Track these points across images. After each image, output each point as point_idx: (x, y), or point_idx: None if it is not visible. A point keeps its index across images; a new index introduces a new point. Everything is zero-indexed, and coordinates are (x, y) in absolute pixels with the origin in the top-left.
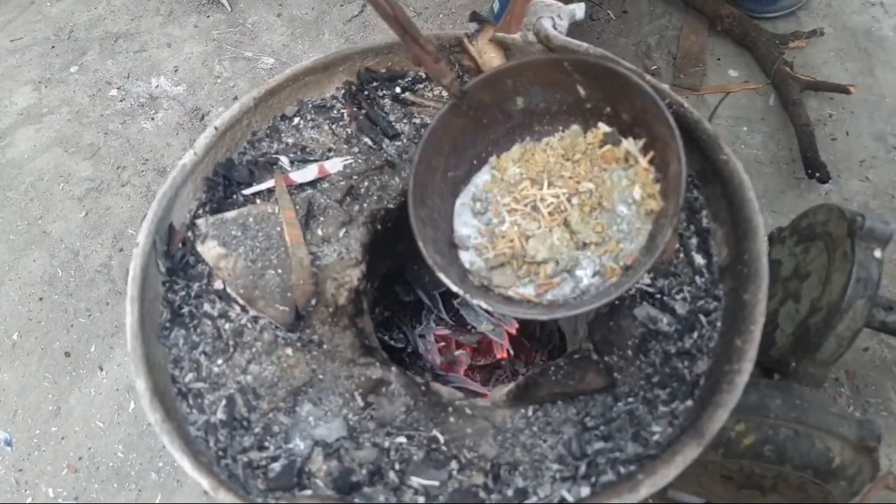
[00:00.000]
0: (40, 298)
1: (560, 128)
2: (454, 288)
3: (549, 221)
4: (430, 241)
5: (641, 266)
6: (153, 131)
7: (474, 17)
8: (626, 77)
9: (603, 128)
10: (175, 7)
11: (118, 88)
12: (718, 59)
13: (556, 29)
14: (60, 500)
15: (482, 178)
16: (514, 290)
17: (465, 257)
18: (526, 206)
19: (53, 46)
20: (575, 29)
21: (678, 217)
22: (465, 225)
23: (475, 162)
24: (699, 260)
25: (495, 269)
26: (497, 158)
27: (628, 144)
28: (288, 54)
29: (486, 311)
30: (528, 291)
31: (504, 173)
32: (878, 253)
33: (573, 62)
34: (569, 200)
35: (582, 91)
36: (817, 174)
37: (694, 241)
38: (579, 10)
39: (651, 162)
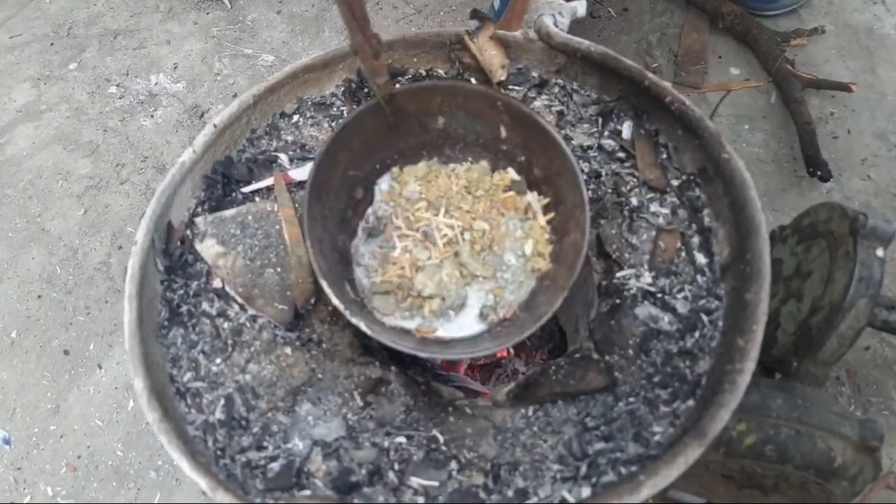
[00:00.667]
0: (39, 296)
1: (470, 158)
2: (335, 300)
3: (442, 253)
4: (317, 242)
5: (525, 327)
6: (152, 129)
7: (475, 14)
8: (553, 137)
9: (512, 173)
10: (175, 4)
11: (117, 86)
12: (720, 57)
13: (557, 26)
14: (59, 499)
15: (382, 186)
16: (391, 320)
17: (357, 273)
18: (418, 230)
19: (52, 43)
20: (576, 26)
21: (568, 291)
22: (362, 245)
23: (378, 166)
24: (701, 259)
25: (378, 295)
26: (400, 170)
27: (531, 198)
28: (288, 51)
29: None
30: (410, 325)
31: (404, 187)
32: (880, 252)
33: (506, 104)
34: (462, 234)
35: (503, 132)
36: (819, 172)
37: (695, 239)
38: (581, 8)
39: (549, 222)
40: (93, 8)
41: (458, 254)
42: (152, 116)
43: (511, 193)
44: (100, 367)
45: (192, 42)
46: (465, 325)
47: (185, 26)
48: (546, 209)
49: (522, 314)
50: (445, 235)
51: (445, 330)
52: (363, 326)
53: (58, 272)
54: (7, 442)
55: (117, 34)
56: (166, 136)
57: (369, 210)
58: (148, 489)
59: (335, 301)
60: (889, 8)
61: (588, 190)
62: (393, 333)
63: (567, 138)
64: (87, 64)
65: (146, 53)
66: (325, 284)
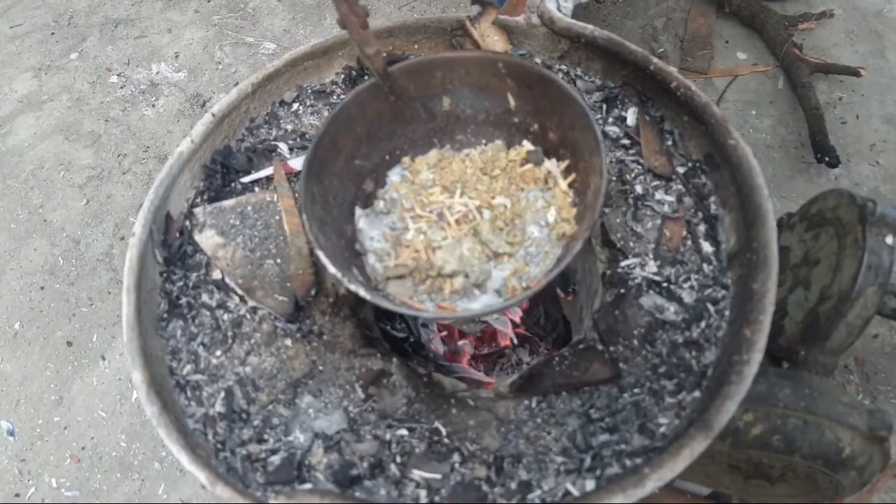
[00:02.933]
0: (42, 287)
1: (483, 140)
2: (332, 269)
3: (456, 230)
4: (316, 220)
5: (536, 284)
6: (154, 118)
7: None
8: (560, 86)
9: (527, 145)
10: None
11: (118, 75)
12: (726, 42)
13: (560, 11)
14: (63, 490)
15: (392, 177)
16: (410, 301)
17: (368, 259)
18: (431, 212)
19: (53, 33)
20: (580, 11)
21: (593, 230)
22: (369, 226)
23: (387, 157)
24: (707, 247)
25: (392, 280)
26: (411, 160)
27: (550, 165)
28: (289, 39)
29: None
30: (427, 306)
31: (416, 176)
32: (889, 239)
33: (508, 65)
34: (478, 211)
35: (512, 101)
36: (827, 158)
37: (702, 227)
38: None
39: (571, 185)
40: None
41: (477, 231)
42: (154, 106)
43: (528, 166)
44: (103, 359)
45: (193, 30)
46: (487, 302)
47: (185, 15)
48: (567, 171)
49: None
50: (459, 212)
51: (465, 308)
52: (362, 292)
53: (60, 263)
54: (11, 433)
55: (118, 23)
56: (168, 126)
57: (380, 193)
58: (152, 480)
59: (332, 270)
60: None
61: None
62: (392, 301)
63: None
64: (88, 53)
65: (147, 42)
66: (321, 254)
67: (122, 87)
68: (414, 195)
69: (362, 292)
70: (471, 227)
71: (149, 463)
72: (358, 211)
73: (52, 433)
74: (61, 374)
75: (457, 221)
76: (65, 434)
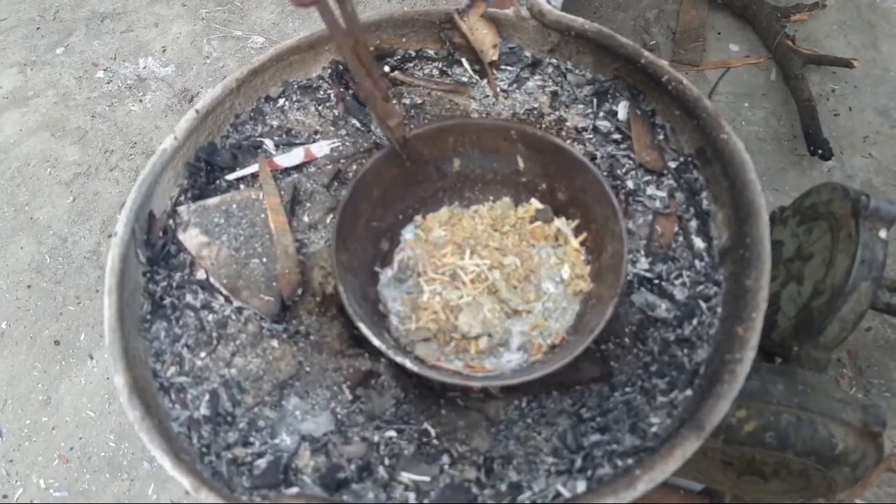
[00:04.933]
0: (28, 286)
1: (491, 197)
2: (375, 342)
3: (471, 290)
4: (351, 289)
5: (570, 349)
6: (141, 114)
7: None
8: (573, 154)
9: (535, 203)
10: None
11: (105, 70)
12: (719, 34)
13: (550, 3)
14: (52, 491)
15: (406, 236)
16: (439, 363)
17: (391, 321)
18: (444, 274)
19: (38, 28)
20: (571, 3)
21: (619, 299)
22: (389, 291)
23: (400, 217)
24: (699, 243)
25: (419, 343)
26: (423, 218)
27: (560, 224)
28: (278, 33)
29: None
30: (456, 366)
31: (429, 234)
32: (882, 233)
33: (520, 132)
34: (490, 270)
35: (521, 163)
36: (820, 151)
37: (693, 223)
38: None
39: (583, 243)
40: None
41: (496, 290)
42: (141, 101)
43: (538, 223)
44: (91, 358)
45: (181, 24)
46: (513, 359)
47: (173, 8)
48: (577, 230)
49: (572, 338)
50: (473, 272)
51: (492, 366)
52: (408, 364)
53: (47, 261)
54: None
55: (104, 17)
56: (155, 122)
57: (396, 254)
58: (141, 480)
59: (376, 343)
60: None
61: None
62: (440, 372)
63: (561, 119)
64: (74, 48)
65: (134, 37)
66: (363, 327)
67: (108, 83)
68: (427, 256)
69: (414, 367)
70: (486, 286)
71: (138, 463)
72: (380, 274)
73: (39, 433)
74: (49, 374)
75: (471, 281)
76: (53, 434)
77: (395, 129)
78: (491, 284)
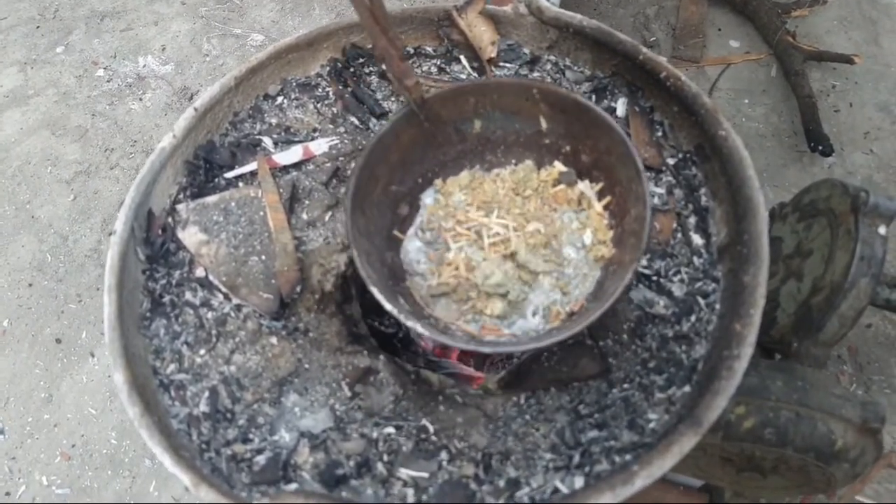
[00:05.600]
0: (30, 284)
1: (513, 160)
2: (387, 306)
3: (490, 254)
4: (364, 253)
5: (588, 314)
6: (141, 112)
7: None
8: (597, 113)
9: (559, 166)
10: None
11: (105, 69)
12: (719, 30)
13: (548, 0)
14: (54, 488)
15: (426, 200)
16: (456, 325)
17: (413, 282)
18: (470, 229)
19: (38, 26)
20: (571, 0)
21: (639, 262)
22: (415, 249)
23: (420, 180)
24: (697, 240)
25: (436, 298)
26: (443, 182)
27: (584, 187)
28: (278, 30)
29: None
30: (473, 328)
31: (449, 198)
32: (882, 230)
33: (543, 91)
34: (514, 231)
35: (544, 123)
36: (820, 147)
37: (692, 220)
38: None
39: (606, 207)
40: None
41: (516, 254)
42: (141, 100)
43: (561, 187)
44: (92, 356)
45: (180, 23)
46: (529, 326)
47: (172, 6)
48: (601, 194)
49: (591, 305)
50: (497, 234)
51: (510, 330)
52: (420, 328)
53: (48, 260)
54: (1, 432)
55: (104, 16)
56: (155, 120)
57: (417, 220)
58: (143, 477)
59: (388, 307)
60: None
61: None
62: (451, 336)
63: None
64: (74, 47)
65: (134, 35)
66: (375, 291)
67: (108, 81)
68: (451, 216)
69: (425, 331)
70: (507, 249)
71: (139, 460)
72: (405, 238)
73: (42, 431)
74: (50, 372)
75: (492, 244)
76: (55, 432)
77: (413, 88)
78: (511, 250)
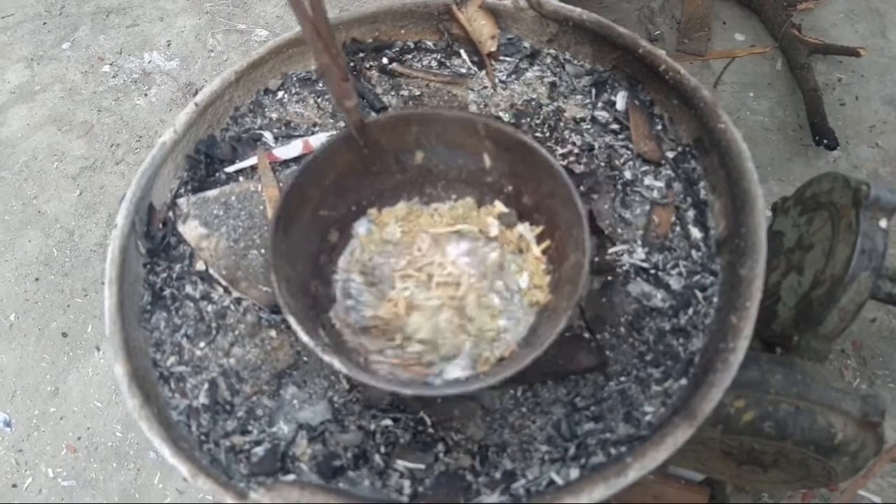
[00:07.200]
0: (36, 279)
1: (454, 196)
2: (304, 338)
3: (437, 293)
4: (284, 279)
5: (519, 361)
6: (147, 108)
7: None
8: (542, 155)
9: (499, 206)
10: None
11: (111, 64)
12: (724, 23)
13: None
14: (60, 480)
15: (358, 230)
16: (377, 356)
17: (344, 305)
18: (419, 270)
19: (45, 23)
20: None
21: (574, 312)
22: (352, 281)
23: (353, 208)
24: (696, 233)
25: (364, 331)
26: (378, 212)
27: (523, 229)
28: (282, 25)
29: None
30: (391, 356)
31: (383, 229)
32: (883, 223)
33: (489, 127)
34: (466, 279)
35: (488, 161)
36: (825, 141)
37: (691, 213)
38: None
39: (545, 252)
40: None
41: (463, 305)
42: (146, 95)
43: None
44: (98, 349)
45: (186, 18)
46: (455, 371)
47: (177, 2)
48: (540, 237)
49: (522, 351)
50: (450, 275)
51: (432, 369)
52: (337, 363)
53: (55, 254)
54: (8, 424)
55: (110, 12)
56: (161, 115)
57: (347, 249)
58: (147, 469)
59: (304, 338)
60: None
61: (580, 188)
62: (370, 374)
63: (559, 110)
64: (81, 43)
65: (139, 31)
66: (292, 320)
67: (114, 77)
68: (403, 254)
69: (343, 368)
70: (455, 292)
71: (144, 452)
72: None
73: (48, 423)
74: (57, 365)
75: (440, 284)
76: (61, 424)
77: (352, 111)
78: (460, 297)
